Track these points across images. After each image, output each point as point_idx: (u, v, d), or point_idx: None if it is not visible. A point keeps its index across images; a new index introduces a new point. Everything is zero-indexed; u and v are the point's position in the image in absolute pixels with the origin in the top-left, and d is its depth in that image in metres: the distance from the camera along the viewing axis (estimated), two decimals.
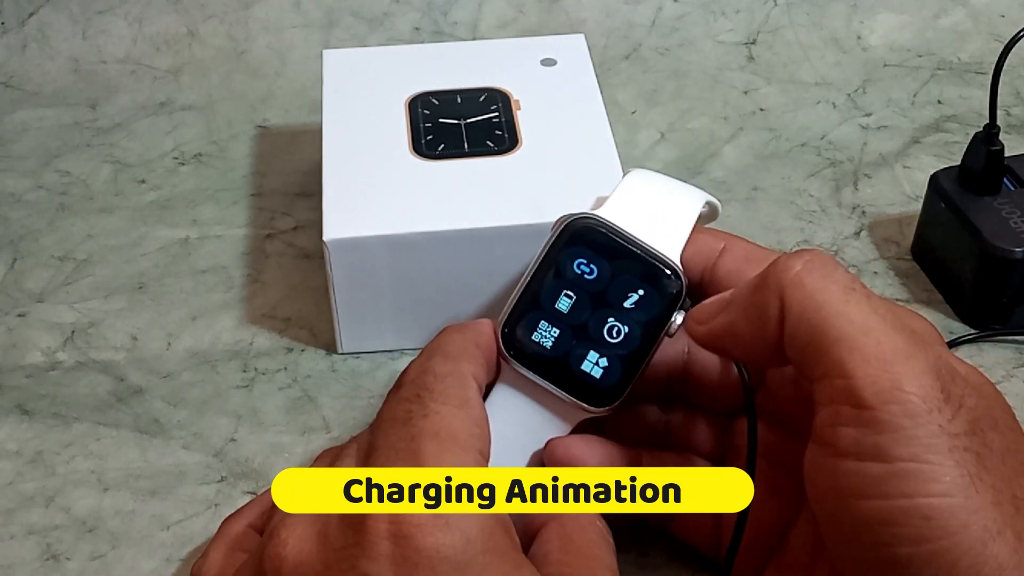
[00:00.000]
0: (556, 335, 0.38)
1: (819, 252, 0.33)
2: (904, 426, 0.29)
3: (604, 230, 0.39)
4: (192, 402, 0.48)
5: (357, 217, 0.47)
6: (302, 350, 0.50)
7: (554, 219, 0.44)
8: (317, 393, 0.48)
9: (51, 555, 0.42)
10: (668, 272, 0.38)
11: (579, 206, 0.46)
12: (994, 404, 0.31)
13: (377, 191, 0.48)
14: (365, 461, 0.34)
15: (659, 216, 0.40)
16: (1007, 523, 0.29)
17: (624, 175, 0.42)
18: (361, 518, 0.31)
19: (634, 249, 0.38)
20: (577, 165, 0.49)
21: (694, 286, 0.39)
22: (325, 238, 0.46)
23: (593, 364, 0.38)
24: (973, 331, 0.50)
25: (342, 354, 0.50)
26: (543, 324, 0.38)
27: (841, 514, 0.31)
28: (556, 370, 0.38)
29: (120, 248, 0.56)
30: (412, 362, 0.36)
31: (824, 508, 0.32)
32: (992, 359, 0.49)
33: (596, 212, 0.39)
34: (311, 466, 0.38)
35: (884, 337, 0.31)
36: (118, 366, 0.49)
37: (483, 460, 0.33)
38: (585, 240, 0.39)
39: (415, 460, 0.32)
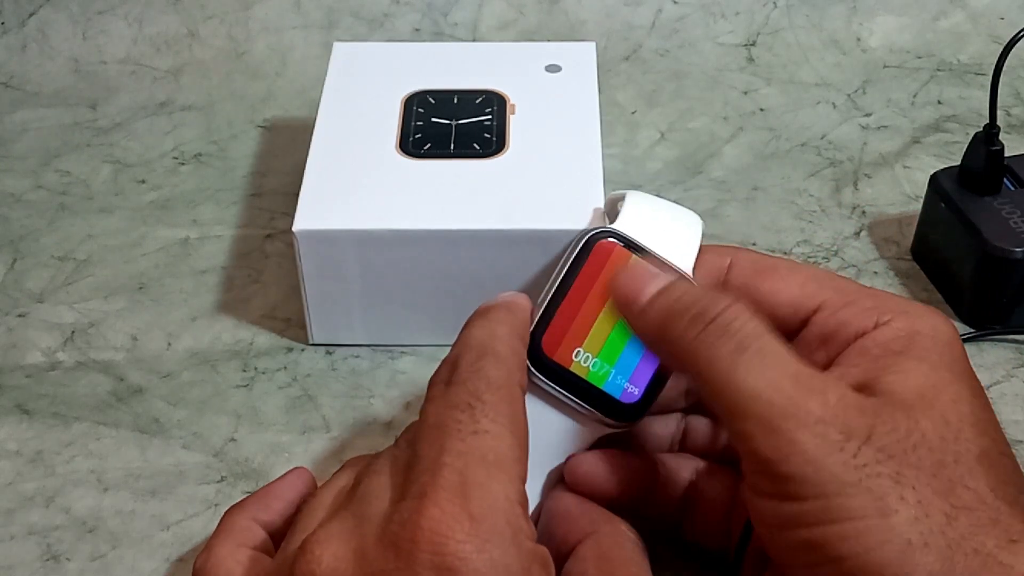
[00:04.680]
0: (580, 350, 0.38)
1: (709, 309, 0.34)
2: (807, 473, 0.31)
3: (624, 244, 0.39)
4: (192, 402, 0.48)
5: (329, 210, 0.47)
6: (302, 350, 0.50)
7: (525, 226, 0.44)
8: (317, 393, 0.48)
9: (51, 555, 0.42)
10: None
11: (553, 216, 0.46)
12: (923, 420, 0.32)
13: (355, 186, 0.48)
14: (405, 472, 0.33)
15: (670, 231, 0.40)
16: (937, 532, 0.30)
17: (624, 197, 0.41)
18: (403, 543, 0.31)
19: (656, 262, 0.38)
20: (559, 174, 0.48)
21: None
22: (294, 228, 0.46)
23: (617, 379, 0.38)
24: (973, 331, 0.50)
25: (342, 354, 0.50)
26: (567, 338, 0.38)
27: (775, 538, 0.33)
28: (580, 385, 0.38)
29: (120, 248, 0.56)
30: (461, 355, 0.35)
31: (760, 532, 0.34)
32: (992, 359, 0.49)
33: (614, 226, 0.39)
34: (337, 473, 0.37)
35: (775, 396, 0.32)
36: (118, 366, 0.49)
37: (523, 484, 0.33)
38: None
39: (461, 483, 0.32)
